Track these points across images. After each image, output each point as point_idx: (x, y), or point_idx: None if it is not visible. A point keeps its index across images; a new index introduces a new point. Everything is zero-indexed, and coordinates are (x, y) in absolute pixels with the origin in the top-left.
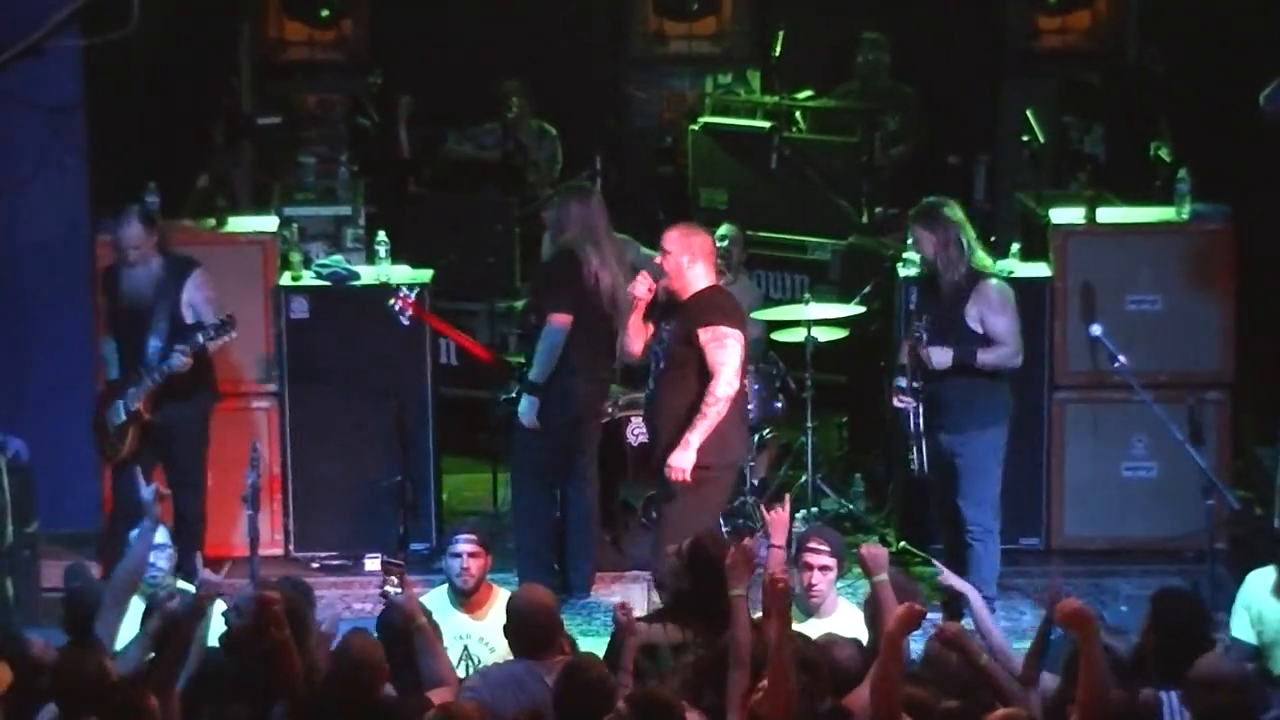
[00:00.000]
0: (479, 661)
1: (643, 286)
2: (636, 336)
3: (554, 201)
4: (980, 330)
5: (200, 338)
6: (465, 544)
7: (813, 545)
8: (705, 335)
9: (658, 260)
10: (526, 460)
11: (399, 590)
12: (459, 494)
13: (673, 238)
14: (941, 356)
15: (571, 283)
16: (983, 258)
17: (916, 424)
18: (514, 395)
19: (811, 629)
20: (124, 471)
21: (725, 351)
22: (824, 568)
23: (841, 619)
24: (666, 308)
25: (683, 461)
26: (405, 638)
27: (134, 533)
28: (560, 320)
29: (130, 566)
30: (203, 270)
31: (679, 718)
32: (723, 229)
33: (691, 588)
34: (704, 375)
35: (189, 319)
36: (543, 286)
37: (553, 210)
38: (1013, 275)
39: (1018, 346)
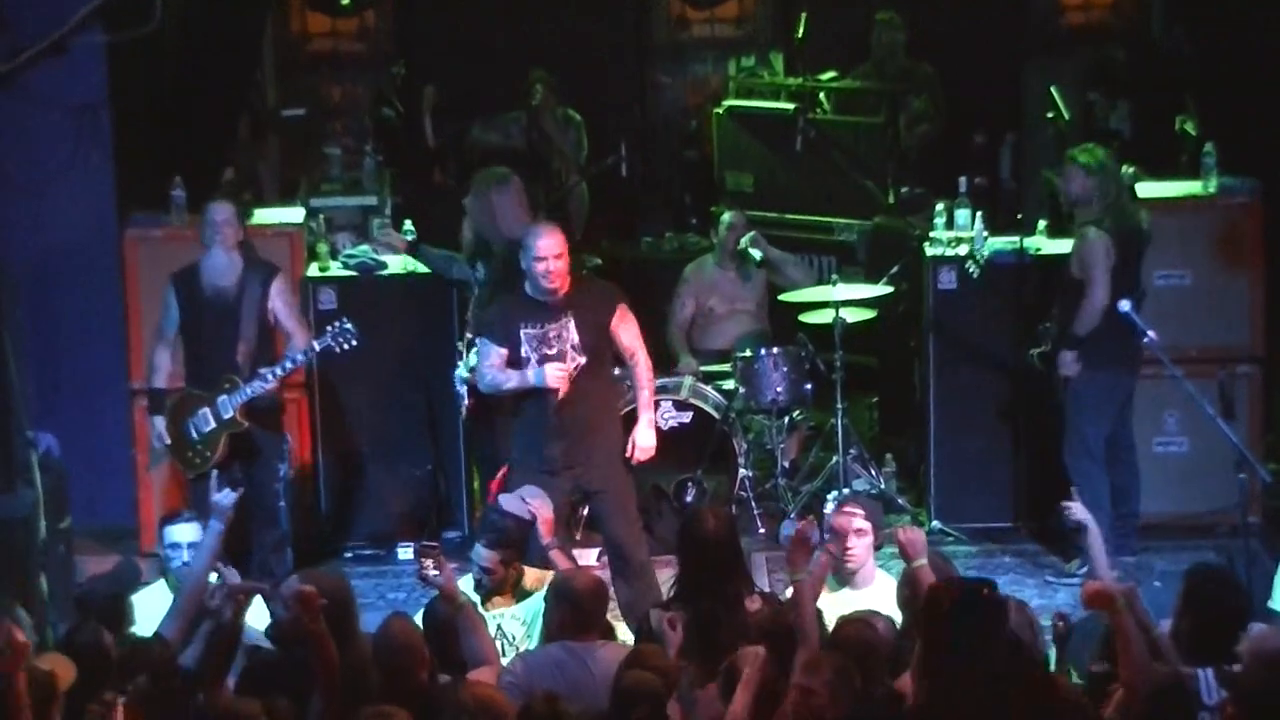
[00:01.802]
0: (513, 638)
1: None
2: None
3: (477, 191)
4: None
5: (317, 346)
6: (487, 560)
7: (848, 509)
8: (616, 319)
9: (549, 267)
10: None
11: (437, 573)
12: None
13: (559, 240)
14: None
15: None
16: None
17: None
18: None
19: (846, 600)
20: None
21: (635, 325)
22: (859, 531)
23: (879, 591)
24: (543, 307)
25: (652, 440)
26: (449, 625)
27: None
28: None
29: (200, 570)
30: (284, 275)
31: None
32: (726, 216)
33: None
34: (615, 360)
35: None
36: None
37: (479, 201)
38: (1040, 253)
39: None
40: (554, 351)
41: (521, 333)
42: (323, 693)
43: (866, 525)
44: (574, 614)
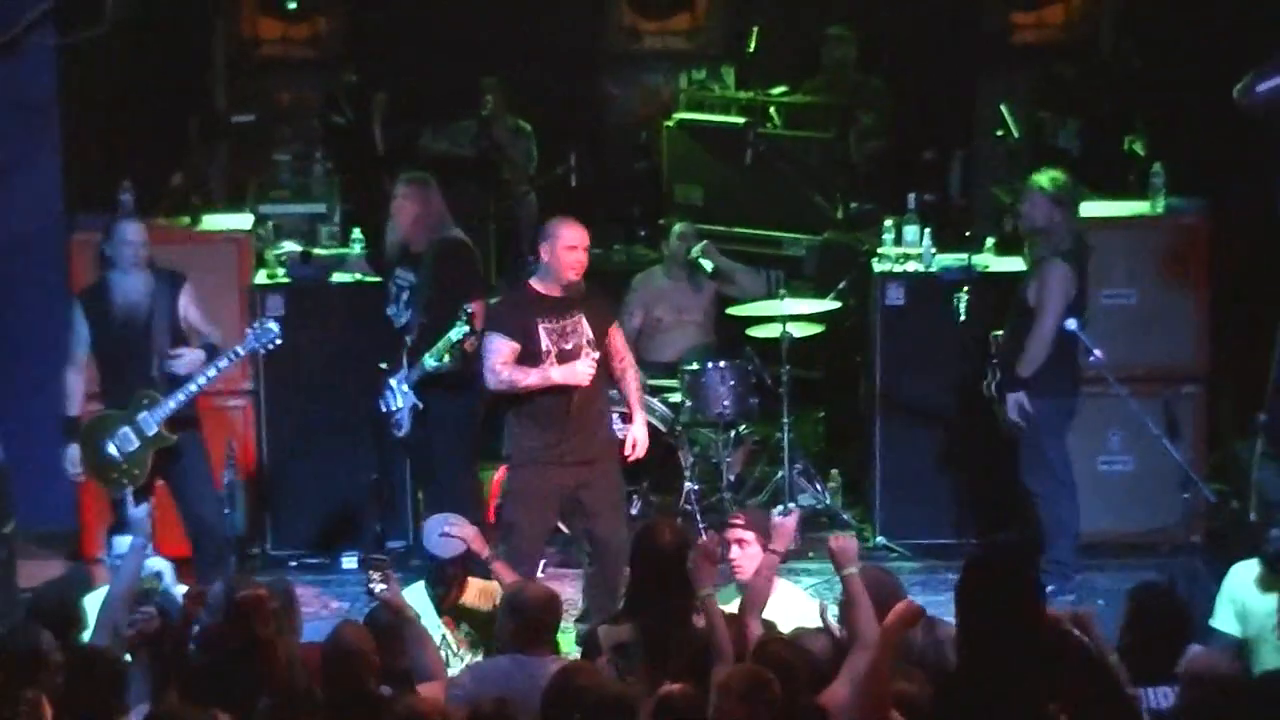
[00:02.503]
0: (454, 647)
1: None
2: None
3: (401, 191)
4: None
5: (241, 350)
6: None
7: (730, 520)
8: (614, 322)
9: (579, 258)
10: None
11: (385, 586)
12: None
13: (585, 232)
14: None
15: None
16: None
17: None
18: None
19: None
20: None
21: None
22: (740, 541)
23: (781, 600)
24: (557, 302)
25: (646, 437)
26: (394, 634)
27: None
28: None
29: (124, 585)
30: (190, 281)
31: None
32: (677, 226)
33: (634, 582)
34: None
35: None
36: (464, 276)
37: (413, 200)
38: (988, 269)
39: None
40: (570, 346)
41: (540, 327)
42: (270, 700)
43: (747, 535)
44: (525, 626)
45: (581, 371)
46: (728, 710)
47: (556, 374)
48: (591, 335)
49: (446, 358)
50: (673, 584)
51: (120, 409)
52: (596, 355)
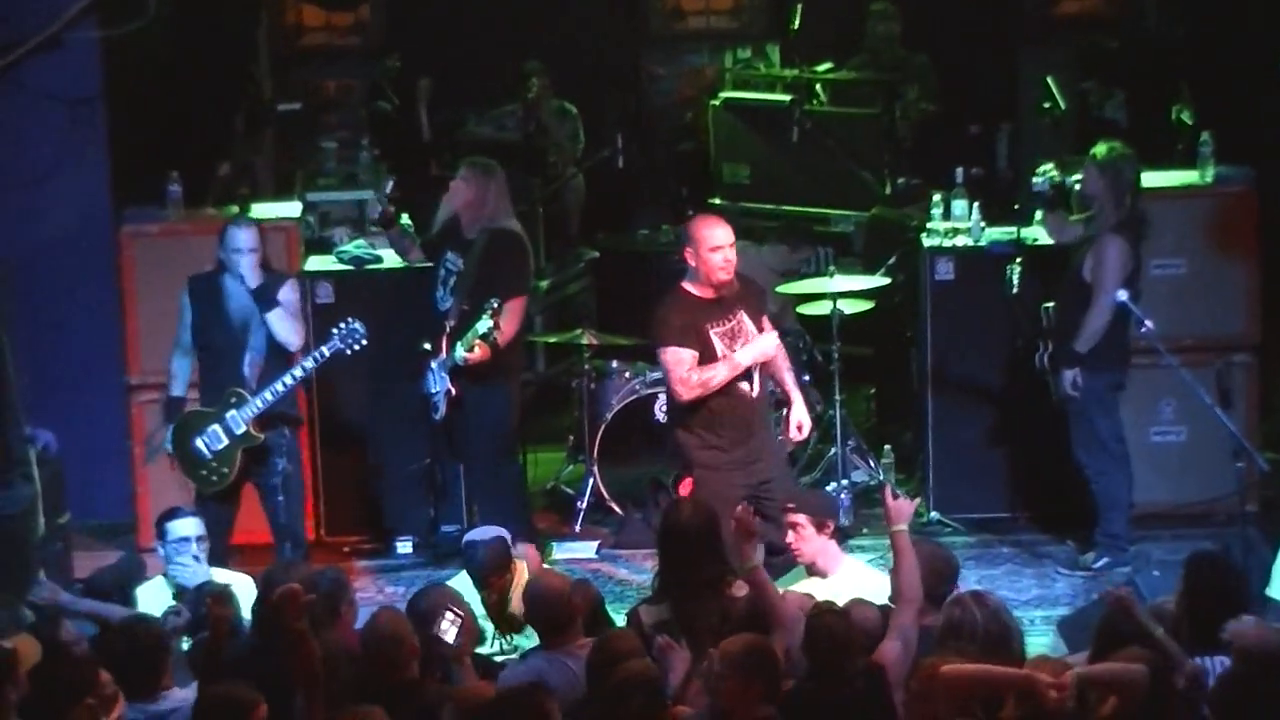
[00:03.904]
0: (511, 636)
1: None
2: None
3: (462, 174)
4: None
5: (327, 350)
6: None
7: (785, 505)
8: (764, 314)
9: (726, 257)
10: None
11: (454, 636)
12: None
13: (730, 229)
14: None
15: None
16: None
17: None
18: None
19: (812, 589)
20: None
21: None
22: (793, 525)
23: (843, 578)
24: (718, 304)
25: (809, 419)
26: (432, 619)
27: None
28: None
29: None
30: (294, 281)
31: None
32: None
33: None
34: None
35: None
36: (511, 270)
37: (471, 185)
38: (1038, 243)
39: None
40: (739, 346)
41: (711, 333)
42: (304, 693)
43: (800, 518)
44: (545, 619)
45: (767, 343)
46: (726, 678)
47: (744, 356)
48: (754, 330)
49: (476, 350)
50: (697, 561)
51: (207, 406)
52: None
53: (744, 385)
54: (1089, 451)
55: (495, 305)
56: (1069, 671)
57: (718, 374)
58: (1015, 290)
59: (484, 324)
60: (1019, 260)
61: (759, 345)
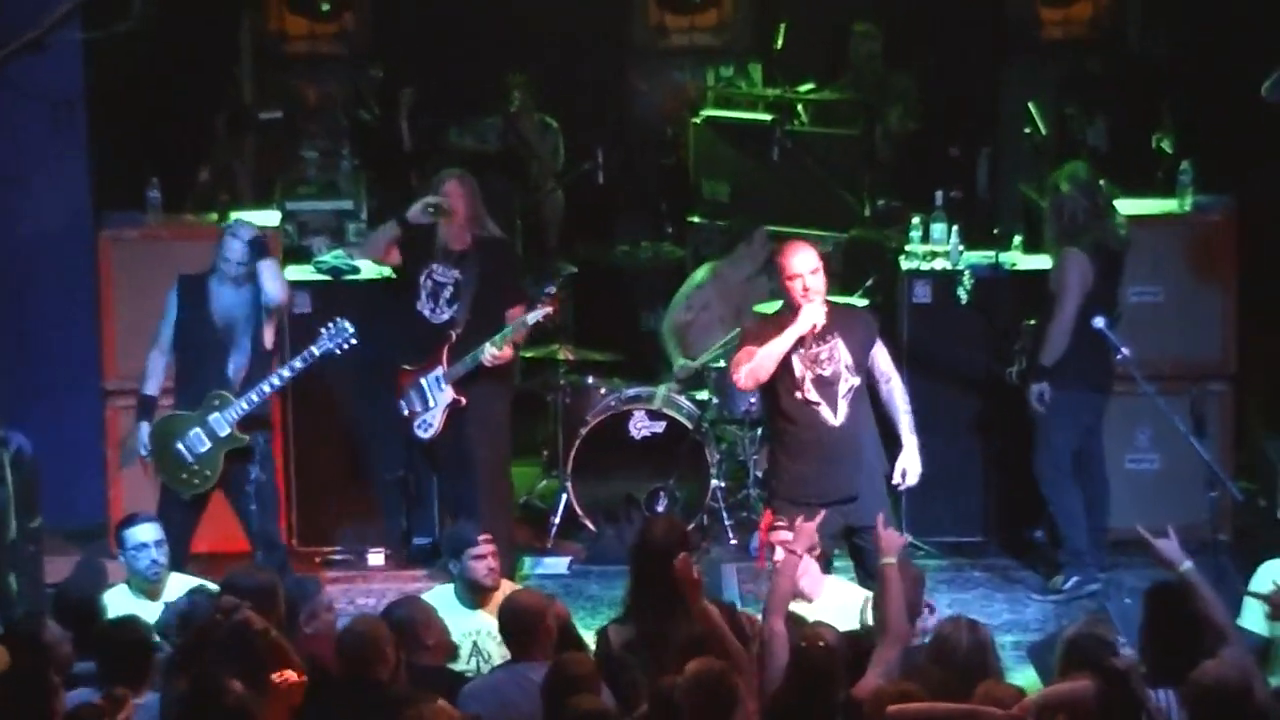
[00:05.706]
0: (488, 656)
1: None
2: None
3: (449, 188)
4: None
5: (316, 351)
6: (486, 545)
7: (776, 523)
8: (878, 343)
9: (805, 284)
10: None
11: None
12: None
13: (813, 255)
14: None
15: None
16: None
17: None
18: None
19: (799, 611)
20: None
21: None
22: (784, 542)
23: (827, 601)
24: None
25: (919, 467)
26: (409, 626)
27: None
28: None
29: None
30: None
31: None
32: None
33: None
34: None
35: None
36: (513, 276)
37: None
38: (1015, 267)
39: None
40: (828, 373)
41: (793, 356)
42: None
43: (788, 536)
44: (514, 635)
45: (812, 311)
46: (682, 700)
47: (795, 329)
48: (851, 360)
49: (505, 347)
50: (666, 581)
51: (188, 409)
52: (856, 382)
53: (824, 413)
54: (1040, 463)
55: (551, 291)
56: (1021, 702)
57: (771, 351)
58: (965, 302)
59: (535, 315)
60: (968, 273)
61: (805, 315)
